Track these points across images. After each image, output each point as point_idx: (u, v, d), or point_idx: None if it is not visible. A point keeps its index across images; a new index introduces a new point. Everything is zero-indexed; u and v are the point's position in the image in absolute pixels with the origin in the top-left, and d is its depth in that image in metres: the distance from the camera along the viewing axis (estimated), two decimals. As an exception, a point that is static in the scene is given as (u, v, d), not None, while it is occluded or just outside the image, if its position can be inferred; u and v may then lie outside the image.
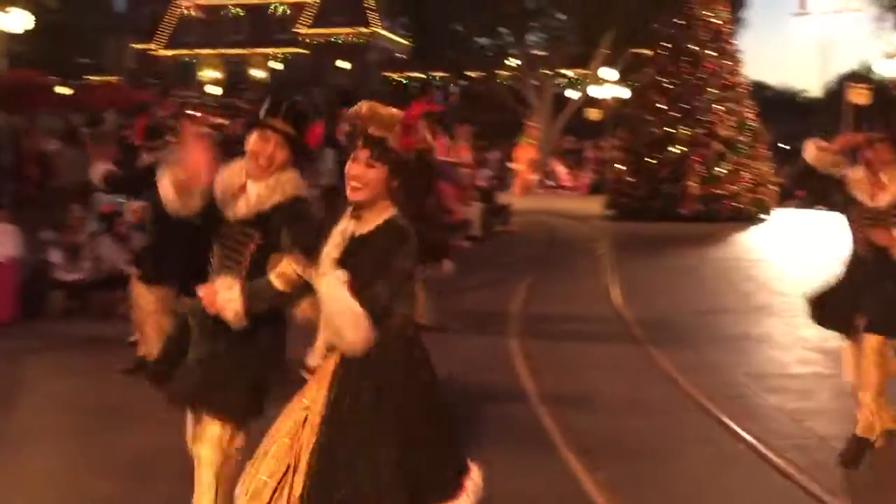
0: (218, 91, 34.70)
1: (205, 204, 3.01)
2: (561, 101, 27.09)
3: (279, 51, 42.68)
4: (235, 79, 39.24)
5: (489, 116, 23.98)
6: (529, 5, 25.72)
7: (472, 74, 31.16)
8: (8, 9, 16.27)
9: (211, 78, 39.93)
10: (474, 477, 2.66)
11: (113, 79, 32.92)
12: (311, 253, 2.67)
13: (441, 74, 35.86)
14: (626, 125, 17.65)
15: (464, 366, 5.88)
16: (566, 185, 21.69)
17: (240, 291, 2.84)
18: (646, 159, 15.78)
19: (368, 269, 2.49)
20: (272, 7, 43.24)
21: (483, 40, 26.81)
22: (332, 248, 2.61)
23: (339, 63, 39.88)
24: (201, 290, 2.90)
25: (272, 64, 42.70)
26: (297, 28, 42.01)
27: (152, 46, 42.33)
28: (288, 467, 2.56)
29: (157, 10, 42.47)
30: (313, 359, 2.70)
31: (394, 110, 2.59)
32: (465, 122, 13.67)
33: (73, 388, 5.68)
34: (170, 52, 42.82)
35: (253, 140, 2.98)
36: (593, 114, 28.31)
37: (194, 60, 41.83)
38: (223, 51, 42.24)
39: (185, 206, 2.98)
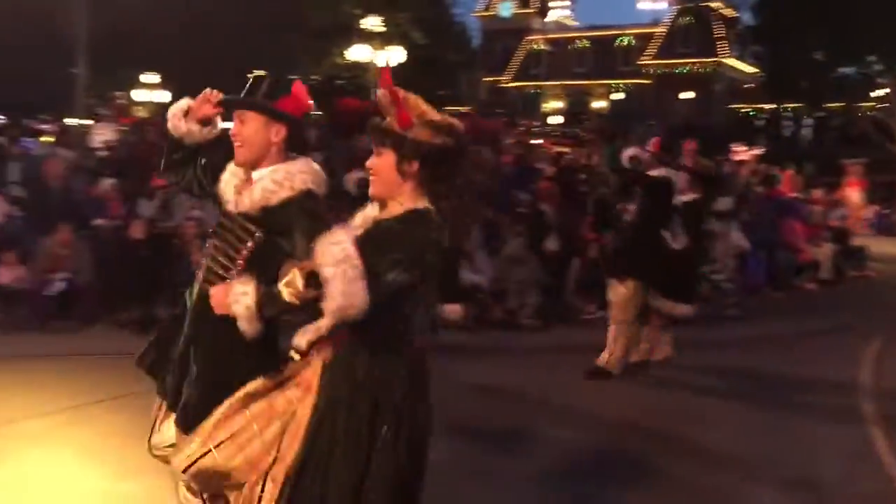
0: (559, 120, 36.00)
1: (211, 142, 2.86)
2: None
3: (621, 82, 43.02)
4: (577, 109, 40.35)
5: (846, 151, 21.92)
6: (906, 29, 23.07)
7: (830, 106, 28.72)
8: (389, 47, 18.43)
9: (554, 108, 41.50)
10: None
11: (466, 109, 35.63)
12: None
13: (792, 105, 33.53)
14: None
15: (826, 461, 4.86)
16: (939, 232, 19.04)
17: (255, 288, 2.40)
18: None
19: (378, 247, 2.25)
20: (618, 39, 43.78)
21: (847, 69, 24.55)
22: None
23: (683, 94, 39.11)
24: (213, 289, 2.53)
25: (614, 95, 43.21)
26: (642, 59, 42.02)
27: (502, 79, 45.08)
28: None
29: (510, 44, 45.20)
30: (301, 339, 2.46)
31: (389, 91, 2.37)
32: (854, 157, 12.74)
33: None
34: (517, 84, 45.28)
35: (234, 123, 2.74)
36: (979, 151, 24.48)
37: (539, 91, 43.72)
38: (566, 82, 43.62)
39: (182, 130, 2.84)
